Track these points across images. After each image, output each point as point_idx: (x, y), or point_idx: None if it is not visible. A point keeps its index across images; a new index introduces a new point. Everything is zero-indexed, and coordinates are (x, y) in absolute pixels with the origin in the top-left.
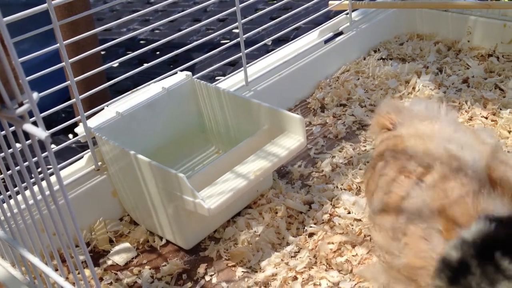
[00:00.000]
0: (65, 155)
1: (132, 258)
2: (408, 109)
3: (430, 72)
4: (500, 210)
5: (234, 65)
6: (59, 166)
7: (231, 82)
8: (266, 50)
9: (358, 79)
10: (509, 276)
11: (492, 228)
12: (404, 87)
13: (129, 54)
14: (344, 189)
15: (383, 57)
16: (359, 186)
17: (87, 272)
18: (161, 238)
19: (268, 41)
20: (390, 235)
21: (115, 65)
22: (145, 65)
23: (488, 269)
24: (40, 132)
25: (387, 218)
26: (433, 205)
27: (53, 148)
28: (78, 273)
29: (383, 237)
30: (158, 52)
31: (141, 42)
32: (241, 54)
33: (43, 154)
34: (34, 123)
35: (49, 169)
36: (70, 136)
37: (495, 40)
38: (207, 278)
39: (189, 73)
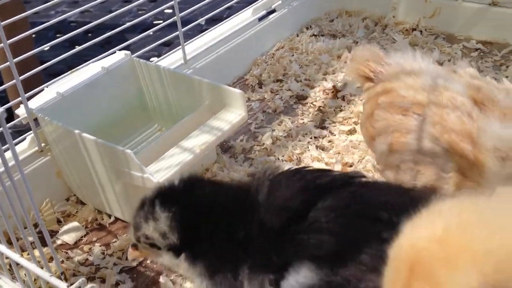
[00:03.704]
0: (1, 140)
1: (82, 237)
2: (386, 58)
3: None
4: (493, 127)
5: (169, 45)
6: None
7: (169, 61)
8: (200, 30)
9: (293, 55)
10: (155, 218)
11: (169, 184)
12: (336, 62)
13: (59, 37)
14: (285, 160)
15: (315, 33)
16: (299, 157)
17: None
18: (109, 216)
19: (201, 20)
20: (406, 171)
21: (46, 49)
22: (78, 48)
23: (149, 209)
24: None
25: (395, 156)
26: (434, 131)
27: None
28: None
29: (400, 174)
30: (90, 34)
31: (72, 24)
32: (175, 33)
33: None
34: None
35: None
36: None
37: (418, 15)
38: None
39: (128, 52)
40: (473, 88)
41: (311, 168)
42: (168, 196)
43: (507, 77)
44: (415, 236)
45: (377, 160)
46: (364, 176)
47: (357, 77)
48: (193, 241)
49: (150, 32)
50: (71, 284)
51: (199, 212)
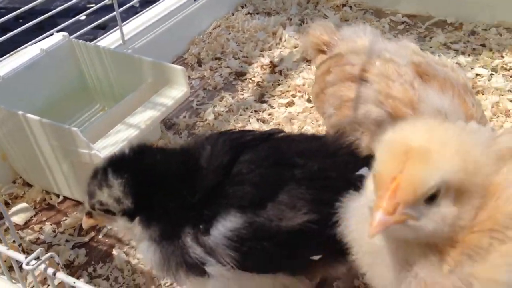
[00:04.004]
0: None
1: (31, 217)
2: (339, 33)
3: (294, 23)
4: (432, 97)
5: (104, 28)
6: None
7: (107, 42)
8: (134, 12)
9: (230, 33)
10: (109, 185)
11: (120, 153)
12: (272, 38)
13: None
14: None
15: (250, 11)
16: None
17: None
18: (58, 195)
19: (135, 2)
20: (350, 133)
21: None
22: (9, 34)
23: (102, 177)
24: None
25: (342, 119)
26: (380, 97)
27: None
28: None
29: None
30: (21, 20)
31: (1, 10)
32: (110, 15)
33: None
34: None
35: None
36: None
37: None
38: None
39: (65, 33)
40: (415, 62)
41: (236, 130)
42: (119, 164)
43: (431, 47)
44: (405, 133)
45: (325, 124)
46: (282, 132)
47: (312, 51)
48: (147, 205)
49: (83, 15)
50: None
51: (151, 177)
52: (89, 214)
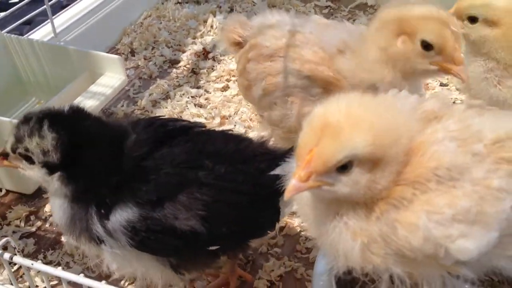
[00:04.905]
0: None
1: None
2: (251, 23)
3: (223, 11)
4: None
5: (30, 24)
6: None
7: (38, 36)
8: (60, 6)
9: (161, 23)
10: (41, 135)
11: (59, 109)
12: (203, 26)
13: None
14: None
15: (180, 1)
16: (180, 116)
17: None
18: (0, 189)
19: None
20: (281, 105)
21: None
22: None
23: (36, 126)
24: None
25: (271, 95)
26: (296, 66)
27: None
28: None
29: (277, 109)
30: None
31: None
32: (39, 10)
33: None
34: None
35: None
36: None
37: None
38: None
39: None
40: (322, 27)
41: (162, 117)
42: (57, 118)
43: None
44: (326, 110)
45: (255, 107)
46: (203, 126)
47: (230, 45)
48: (70, 164)
49: (7, 12)
50: None
51: (84, 140)
52: (4, 156)
